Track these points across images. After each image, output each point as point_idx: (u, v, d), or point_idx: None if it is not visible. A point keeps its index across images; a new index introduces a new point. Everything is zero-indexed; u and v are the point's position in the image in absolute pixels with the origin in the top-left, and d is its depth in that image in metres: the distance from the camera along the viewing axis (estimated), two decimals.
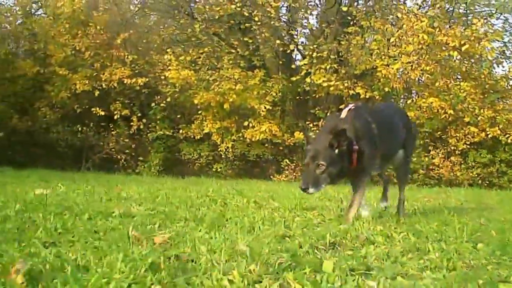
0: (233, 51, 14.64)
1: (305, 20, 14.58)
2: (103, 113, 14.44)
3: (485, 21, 13.31)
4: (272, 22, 13.53)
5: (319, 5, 15.06)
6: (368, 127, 3.74)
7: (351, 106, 3.87)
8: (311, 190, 3.46)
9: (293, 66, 14.13)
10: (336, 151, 3.44)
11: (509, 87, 13.95)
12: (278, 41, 13.85)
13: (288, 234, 2.91)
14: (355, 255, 2.34)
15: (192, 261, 2.03)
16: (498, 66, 14.26)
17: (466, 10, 14.96)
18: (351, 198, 3.86)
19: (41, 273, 1.76)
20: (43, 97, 15.07)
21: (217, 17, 13.58)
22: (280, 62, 15.09)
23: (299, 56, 15.57)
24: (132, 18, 16.70)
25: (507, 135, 12.75)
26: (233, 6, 13.19)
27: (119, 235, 2.67)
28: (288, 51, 13.99)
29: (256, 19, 13.38)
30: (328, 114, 13.66)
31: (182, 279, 1.74)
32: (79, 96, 14.50)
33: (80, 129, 14.78)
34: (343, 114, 3.74)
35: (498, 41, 14.06)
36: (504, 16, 15.94)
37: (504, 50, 14.45)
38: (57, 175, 10.68)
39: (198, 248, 2.24)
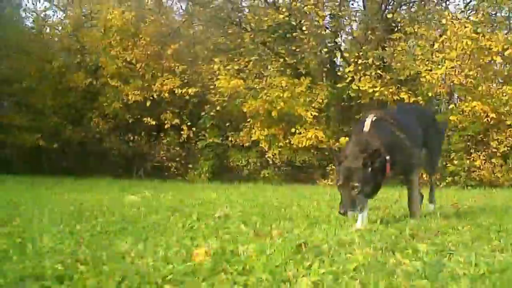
0: (280, 59, 15.19)
1: (349, 28, 15.07)
2: (154, 123, 15.21)
3: None
4: (319, 31, 14.07)
5: (363, 13, 15.46)
6: (394, 135, 3.90)
7: (372, 116, 3.93)
8: (349, 213, 3.48)
9: (339, 73, 14.63)
10: (370, 169, 3.48)
11: None
12: (325, 49, 14.40)
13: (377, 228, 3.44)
14: (434, 242, 2.81)
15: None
16: None
17: (509, 14, 15.32)
18: (408, 198, 4.14)
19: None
20: (95, 108, 15.88)
21: (265, 27, 14.12)
22: (325, 69, 15.62)
23: (340, 62, 16.14)
24: (178, 29, 17.41)
25: None
26: (281, 16, 13.77)
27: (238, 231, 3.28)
28: (334, 58, 14.52)
29: (304, 28, 13.93)
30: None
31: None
32: (130, 106, 15.27)
33: (131, 138, 15.57)
34: (366, 127, 3.81)
35: None
36: None
37: None
38: (119, 183, 11.41)
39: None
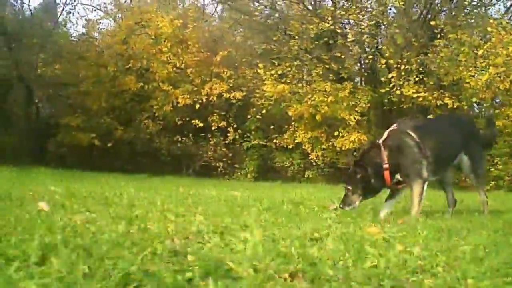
0: (322, 65, 15.86)
1: (391, 34, 15.55)
2: (201, 125, 16.15)
3: None
4: (363, 38, 14.69)
5: (404, 19, 15.94)
6: (403, 142, 4.41)
7: (393, 126, 4.60)
8: (346, 208, 4.30)
9: (382, 79, 15.17)
10: (358, 176, 4.31)
11: None
12: (370, 56, 15.03)
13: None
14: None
15: None
16: None
17: None
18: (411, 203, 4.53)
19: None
20: (145, 110, 16.92)
21: (311, 35, 14.83)
22: (365, 74, 16.20)
23: (381, 67, 16.65)
24: (222, 36, 18.37)
25: None
26: (326, 25, 14.47)
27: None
28: (378, 65, 15.09)
29: (350, 36, 14.59)
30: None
31: None
32: (180, 109, 16.24)
33: (179, 139, 16.54)
34: (384, 136, 4.52)
35: None
36: None
37: None
38: (173, 180, 12.23)
39: None
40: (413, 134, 4.43)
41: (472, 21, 15.52)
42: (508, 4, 16.20)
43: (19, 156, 15.42)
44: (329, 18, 14.52)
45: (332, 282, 1.67)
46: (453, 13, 16.12)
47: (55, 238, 1.89)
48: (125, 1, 21.67)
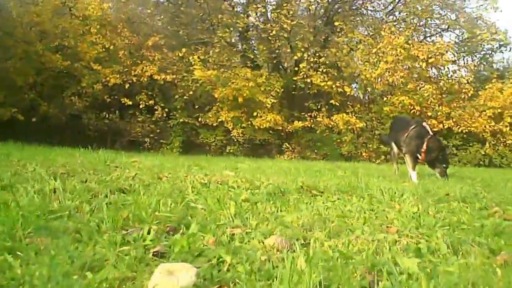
0: (242, 54, 18.58)
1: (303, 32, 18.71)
2: (130, 103, 17.92)
3: (443, 39, 18.14)
4: (280, 33, 17.68)
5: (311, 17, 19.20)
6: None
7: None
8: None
9: (296, 69, 18.22)
10: None
11: (460, 90, 18.61)
12: (288, 50, 18.07)
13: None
14: None
15: None
16: (454, 73, 18.98)
17: (425, 24, 19.80)
18: None
19: None
20: (71, 88, 18.19)
21: (240, 28, 17.48)
22: (280, 64, 19.24)
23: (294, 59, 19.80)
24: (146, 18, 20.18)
25: (458, 126, 17.51)
26: (251, 19, 17.27)
27: None
28: (294, 57, 18.12)
29: (274, 32, 17.50)
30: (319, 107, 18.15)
31: None
32: (109, 87, 17.83)
33: (107, 115, 18.11)
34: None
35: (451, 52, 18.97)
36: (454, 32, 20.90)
37: (455, 60, 19.33)
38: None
39: None
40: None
41: (368, 24, 19.25)
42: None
43: None
44: (254, 15, 17.32)
45: None
46: (352, 16, 19.85)
47: None
48: None
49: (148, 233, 2.31)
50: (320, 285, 1.69)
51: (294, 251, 2.13)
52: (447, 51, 17.84)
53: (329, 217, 3.06)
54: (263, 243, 2.26)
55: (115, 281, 1.74)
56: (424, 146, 7.07)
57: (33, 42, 17.89)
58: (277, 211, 3.24)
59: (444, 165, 7.16)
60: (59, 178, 3.87)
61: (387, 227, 2.77)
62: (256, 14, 17.59)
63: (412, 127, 7.50)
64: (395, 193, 4.25)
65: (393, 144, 8.20)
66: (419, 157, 7.16)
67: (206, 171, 6.06)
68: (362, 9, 19.98)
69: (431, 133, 7.42)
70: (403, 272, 1.88)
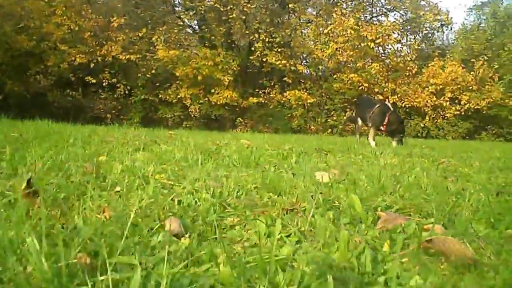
0: (201, 35, 20.04)
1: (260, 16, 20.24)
2: (94, 81, 19.28)
3: (389, 18, 19.76)
4: (239, 15, 19.24)
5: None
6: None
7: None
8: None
9: (252, 48, 19.76)
10: None
11: (405, 67, 20.22)
12: (245, 31, 19.62)
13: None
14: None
15: None
16: (398, 52, 20.69)
17: (372, 4, 21.53)
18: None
19: None
20: (36, 67, 19.49)
21: (202, 11, 19.07)
22: (236, 44, 20.77)
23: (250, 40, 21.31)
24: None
25: (402, 101, 19.17)
26: (211, 3, 18.85)
27: None
28: (251, 37, 19.62)
29: (234, 15, 19.03)
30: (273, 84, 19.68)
31: None
32: (74, 66, 19.16)
33: (70, 93, 19.45)
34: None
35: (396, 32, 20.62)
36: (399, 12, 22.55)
37: (400, 40, 21.02)
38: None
39: None
40: None
41: (320, 7, 20.84)
42: None
43: None
44: None
45: None
46: None
47: None
48: None
49: None
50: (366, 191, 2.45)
51: (344, 179, 2.90)
52: (393, 32, 19.45)
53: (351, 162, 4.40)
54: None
55: None
56: (386, 120, 8.58)
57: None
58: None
59: (401, 135, 8.79)
60: None
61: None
62: None
63: (377, 106, 9.04)
64: (377, 153, 5.72)
65: (358, 119, 9.69)
66: (382, 128, 8.69)
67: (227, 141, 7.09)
68: None
69: (391, 109, 8.92)
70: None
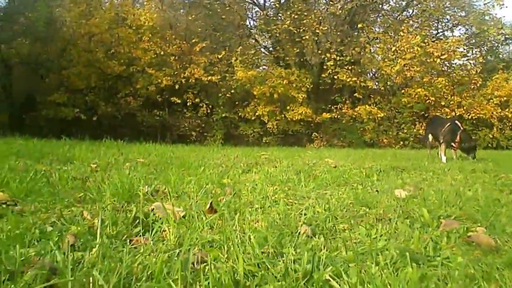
0: (275, 54, 22.18)
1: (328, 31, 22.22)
2: (179, 101, 21.66)
3: (454, 33, 21.39)
4: (313, 37, 21.28)
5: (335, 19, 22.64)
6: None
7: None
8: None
9: (324, 67, 21.79)
10: None
11: (470, 81, 21.82)
12: (318, 51, 21.65)
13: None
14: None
15: None
16: (464, 66, 22.31)
17: (438, 21, 23.18)
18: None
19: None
20: (126, 89, 22.00)
21: (277, 35, 21.21)
22: (309, 62, 22.85)
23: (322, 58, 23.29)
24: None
25: (468, 113, 20.84)
26: (285, 26, 20.92)
27: None
28: (323, 56, 21.63)
29: (307, 37, 21.07)
30: (344, 100, 21.64)
31: None
32: (160, 88, 21.58)
33: (158, 113, 21.89)
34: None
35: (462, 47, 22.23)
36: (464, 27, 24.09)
37: (465, 54, 22.61)
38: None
39: None
40: None
41: (387, 25, 22.65)
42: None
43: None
44: (288, 22, 20.93)
45: None
46: (371, 18, 23.27)
47: None
48: None
49: None
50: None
51: (417, 195, 3.64)
52: (458, 48, 21.10)
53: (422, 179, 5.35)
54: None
55: None
56: (457, 138, 10.17)
57: (93, 51, 21.76)
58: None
59: (473, 151, 10.18)
60: None
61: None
62: (290, 21, 21.12)
63: (448, 124, 10.55)
64: (445, 169, 6.72)
65: (429, 136, 11.39)
66: (454, 145, 10.25)
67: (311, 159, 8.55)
68: (379, 9, 23.38)
69: (462, 128, 10.53)
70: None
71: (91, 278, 1.52)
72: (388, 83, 21.26)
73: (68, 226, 2.29)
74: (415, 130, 20.72)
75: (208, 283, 1.58)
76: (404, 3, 23.50)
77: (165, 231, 2.25)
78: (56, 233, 2.15)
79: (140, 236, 2.20)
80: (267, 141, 21.33)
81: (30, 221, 2.33)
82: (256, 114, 21.25)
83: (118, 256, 1.84)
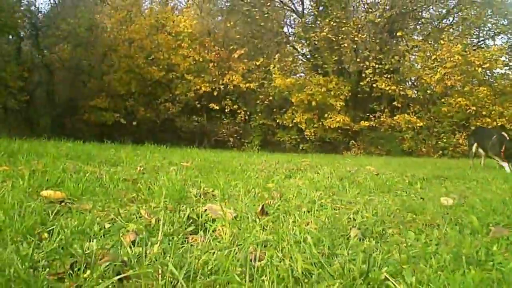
0: (313, 62, 22.59)
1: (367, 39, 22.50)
2: (217, 108, 22.25)
3: (497, 43, 21.39)
4: (351, 45, 21.59)
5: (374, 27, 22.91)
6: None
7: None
8: None
9: (362, 75, 22.03)
10: None
11: None
12: (356, 59, 21.94)
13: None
14: None
15: None
16: (506, 75, 22.26)
17: (479, 29, 23.23)
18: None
19: None
20: (165, 95, 22.69)
21: (316, 42, 21.63)
22: (347, 70, 23.17)
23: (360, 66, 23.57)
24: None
25: (511, 124, 20.79)
26: (323, 34, 21.31)
27: None
28: (361, 64, 21.93)
29: (346, 44, 21.43)
30: (382, 108, 21.84)
31: None
32: (199, 94, 22.21)
33: (196, 119, 22.52)
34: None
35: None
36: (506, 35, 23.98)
37: (507, 63, 22.53)
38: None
39: None
40: None
41: (427, 33, 22.81)
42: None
43: (41, 130, 19.22)
44: (326, 29, 21.33)
45: None
46: (411, 25, 23.47)
47: None
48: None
49: None
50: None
51: (464, 203, 3.70)
52: (500, 56, 21.10)
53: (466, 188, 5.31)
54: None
55: None
56: (503, 148, 10.38)
57: (133, 57, 22.50)
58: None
59: None
60: None
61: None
62: (328, 28, 21.51)
63: (495, 136, 10.88)
64: (488, 179, 6.54)
65: (473, 146, 11.66)
66: (501, 154, 10.46)
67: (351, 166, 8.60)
68: (419, 17, 23.55)
69: (507, 138, 10.65)
70: None
71: (160, 270, 1.67)
72: (428, 91, 21.34)
73: (126, 224, 2.44)
74: (454, 140, 20.70)
75: (270, 278, 1.69)
76: (444, 11, 23.47)
77: (218, 230, 2.38)
78: (116, 230, 2.32)
79: (196, 234, 2.36)
80: (304, 148, 21.64)
81: (89, 219, 2.45)
82: (294, 121, 21.60)
83: (179, 252, 2.00)
